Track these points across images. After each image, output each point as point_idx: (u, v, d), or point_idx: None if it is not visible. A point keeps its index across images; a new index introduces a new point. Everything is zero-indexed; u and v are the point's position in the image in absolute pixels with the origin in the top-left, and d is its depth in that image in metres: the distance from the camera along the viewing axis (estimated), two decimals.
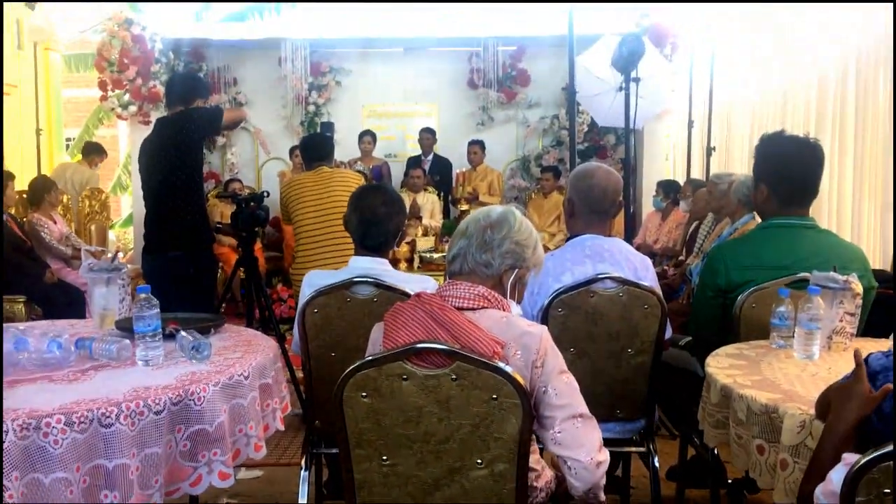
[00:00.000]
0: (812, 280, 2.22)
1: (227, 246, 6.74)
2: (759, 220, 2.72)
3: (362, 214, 2.54)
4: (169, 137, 3.65)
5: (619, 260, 2.53)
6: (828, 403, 1.47)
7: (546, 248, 7.74)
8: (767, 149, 2.56)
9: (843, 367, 1.91)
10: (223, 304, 4.66)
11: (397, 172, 8.02)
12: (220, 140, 8.24)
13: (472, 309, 1.70)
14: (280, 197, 4.32)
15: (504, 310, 1.74)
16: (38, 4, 7.35)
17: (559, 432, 1.65)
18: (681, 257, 5.96)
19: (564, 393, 1.66)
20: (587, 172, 2.62)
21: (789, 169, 2.49)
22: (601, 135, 8.15)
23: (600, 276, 2.43)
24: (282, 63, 8.05)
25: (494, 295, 1.74)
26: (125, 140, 14.29)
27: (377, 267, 2.51)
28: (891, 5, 4.28)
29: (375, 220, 2.53)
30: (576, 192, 2.61)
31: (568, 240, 2.66)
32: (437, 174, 7.83)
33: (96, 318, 2.47)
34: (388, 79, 8.47)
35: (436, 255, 6.14)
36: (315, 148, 4.40)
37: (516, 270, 1.79)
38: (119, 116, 7.77)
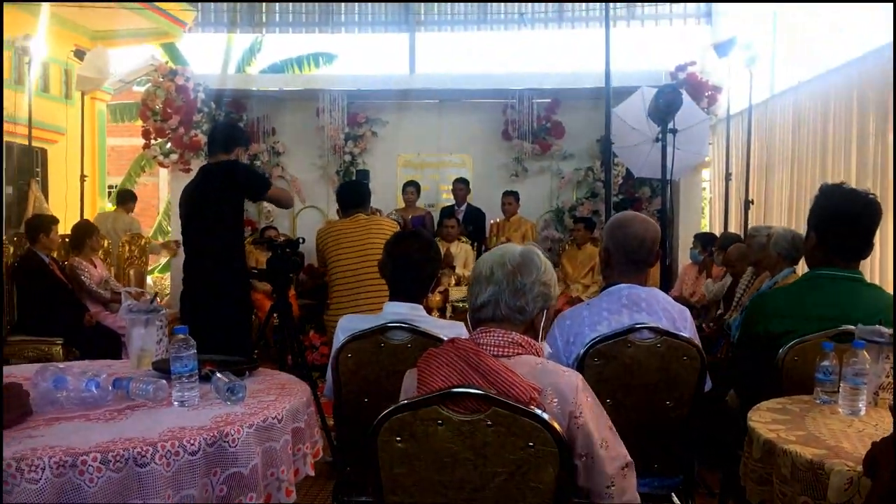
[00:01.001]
0: (857, 333, 2.17)
1: (262, 292, 6.79)
2: (799, 273, 2.69)
3: (398, 260, 2.57)
4: (213, 185, 3.77)
5: (656, 310, 2.50)
6: (876, 460, 1.43)
7: (579, 300, 7.57)
8: (823, 199, 2.54)
9: (890, 423, 1.85)
10: (256, 350, 4.68)
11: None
12: None
13: (508, 356, 1.70)
14: (316, 243, 4.37)
15: (538, 354, 1.74)
16: (87, 57, 7.63)
17: (611, 485, 1.64)
18: (719, 311, 5.87)
19: (612, 444, 1.65)
20: (624, 221, 2.61)
21: (840, 221, 2.47)
22: (636, 187, 8.16)
23: (638, 325, 2.40)
24: (319, 114, 8.25)
25: (528, 341, 1.75)
26: (165, 187, 14.65)
27: (411, 313, 2.52)
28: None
29: (411, 265, 2.55)
30: (612, 241, 2.60)
31: (604, 289, 2.64)
32: (471, 224, 7.88)
33: (134, 358, 2.50)
34: (423, 129, 8.63)
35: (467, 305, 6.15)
36: (352, 195, 4.47)
37: (545, 311, 1.80)
38: (161, 164, 7.99)
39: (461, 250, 7.36)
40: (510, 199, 7.80)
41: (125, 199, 8.58)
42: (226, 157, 3.88)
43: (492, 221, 7.50)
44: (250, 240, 7.43)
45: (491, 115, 8.50)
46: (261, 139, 8.47)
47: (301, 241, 4.23)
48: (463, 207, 8.01)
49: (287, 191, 4.49)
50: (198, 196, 3.80)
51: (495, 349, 1.71)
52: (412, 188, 7.87)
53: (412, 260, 2.56)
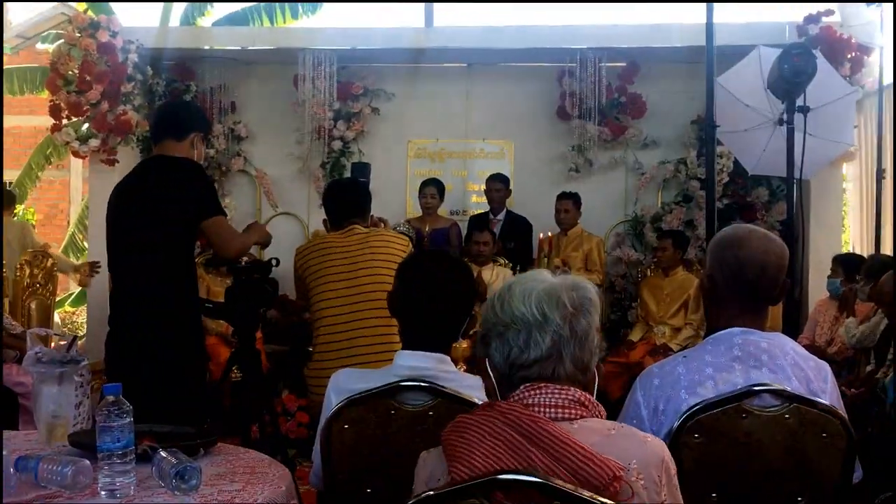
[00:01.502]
0: None
1: (216, 335, 6.84)
2: None
3: (416, 292, 2.58)
4: (156, 185, 3.80)
5: (783, 365, 2.49)
6: None
7: (668, 349, 7.56)
8: None
9: None
10: (209, 419, 4.69)
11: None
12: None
13: (570, 419, 1.74)
14: (294, 266, 4.38)
15: (601, 417, 1.79)
16: None
17: None
18: (868, 366, 5.84)
19: None
20: (737, 239, 2.61)
21: None
22: (749, 188, 8.16)
23: (756, 387, 2.40)
24: (298, 83, 8.24)
25: (590, 399, 1.80)
26: (80, 186, 14.79)
27: (436, 367, 2.53)
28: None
29: (435, 300, 2.56)
30: (720, 267, 2.60)
31: (707, 335, 2.65)
32: (512, 240, 7.88)
33: (43, 428, 2.52)
34: (444, 106, 8.64)
35: None
36: (344, 199, 4.49)
37: (599, 367, 1.88)
38: (75, 153, 8.01)
39: (498, 276, 7.33)
40: (567, 205, 7.79)
41: (5, 198, 8.57)
42: (176, 146, 3.93)
43: (541, 236, 7.38)
44: (201, 260, 7.46)
45: (541, 85, 8.49)
46: (215, 118, 8.49)
47: (273, 263, 4.23)
48: (501, 216, 8.02)
49: (260, 227, 4.49)
50: (134, 201, 3.83)
51: (553, 410, 1.74)
52: (433, 188, 7.88)
53: (437, 292, 2.57)
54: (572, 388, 1.77)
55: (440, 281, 2.59)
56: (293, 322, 7.32)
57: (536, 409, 1.73)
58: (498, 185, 8.00)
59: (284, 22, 11.94)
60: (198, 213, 3.79)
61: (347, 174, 8.06)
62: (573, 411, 1.74)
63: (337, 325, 4.13)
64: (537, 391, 1.77)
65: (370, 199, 4.67)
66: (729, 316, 2.60)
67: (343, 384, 2.58)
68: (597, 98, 8.12)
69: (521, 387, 1.79)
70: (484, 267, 7.32)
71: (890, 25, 6.87)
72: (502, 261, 7.61)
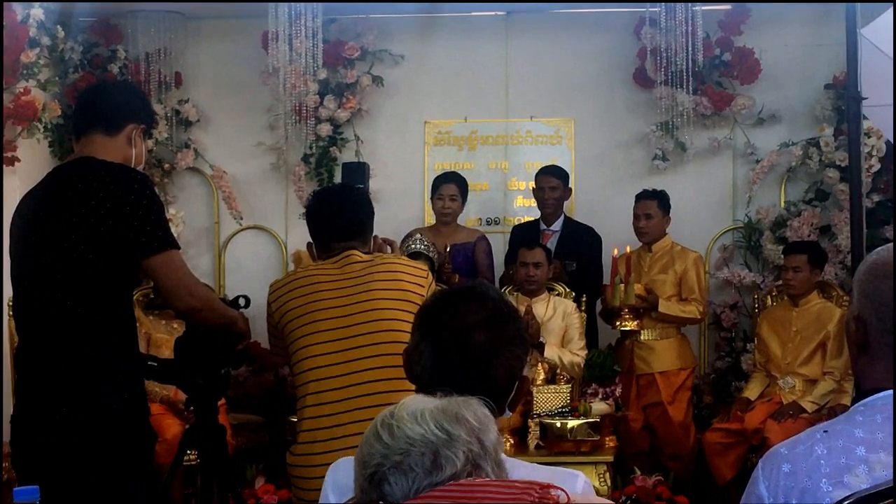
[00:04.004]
0: None
1: (161, 402, 6.86)
2: None
3: (445, 353, 2.59)
4: (81, 202, 3.78)
5: None
6: None
7: (799, 410, 7.49)
8: None
9: None
10: None
11: (497, 253, 8.14)
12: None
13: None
14: (268, 308, 4.41)
15: None
16: None
17: None
18: None
19: None
20: None
21: None
22: None
23: None
24: (268, 43, 8.15)
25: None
26: None
27: None
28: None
29: (474, 364, 2.56)
30: (872, 305, 2.59)
31: (857, 397, 2.64)
32: (574, 258, 7.90)
33: None
34: (475, 71, 8.68)
35: (573, 422, 6.16)
36: (335, 216, 4.48)
37: None
38: None
39: (556, 311, 7.37)
40: (651, 208, 7.81)
41: None
42: (107, 143, 3.96)
43: (615, 253, 7.48)
44: (138, 295, 7.42)
45: (610, 39, 8.57)
46: (153, 95, 8.41)
47: (241, 303, 4.26)
48: (557, 225, 8.07)
49: (197, 282, 4.41)
50: (48, 223, 3.83)
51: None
52: (451, 187, 7.93)
53: (476, 353, 2.57)
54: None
55: (475, 335, 2.58)
56: (268, 382, 7.42)
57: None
58: (552, 182, 8.00)
59: None
60: (139, 245, 3.79)
61: (339, 171, 8.12)
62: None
63: (329, 390, 4.13)
64: (472, 488, 1.87)
65: (372, 213, 4.66)
66: (885, 372, 2.59)
67: (342, 478, 2.58)
68: (689, 55, 8.02)
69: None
70: (536, 298, 7.32)
71: None
72: (560, 288, 7.62)
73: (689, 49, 8.01)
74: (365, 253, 4.42)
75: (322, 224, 4.52)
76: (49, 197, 3.91)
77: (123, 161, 3.95)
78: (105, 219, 3.75)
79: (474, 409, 2.01)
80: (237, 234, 8.71)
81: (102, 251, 3.77)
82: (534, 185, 8.12)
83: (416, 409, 1.98)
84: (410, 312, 3.72)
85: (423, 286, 4.24)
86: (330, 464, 3.66)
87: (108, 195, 3.77)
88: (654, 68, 8.23)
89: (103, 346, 3.80)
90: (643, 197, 7.86)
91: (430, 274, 4.51)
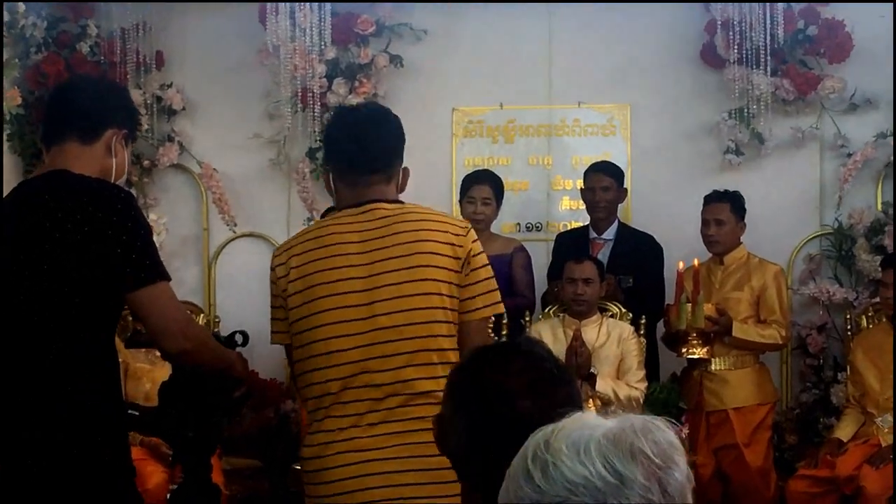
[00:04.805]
0: None
1: (141, 446, 6.84)
2: None
3: (487, 418, 2.57)
4: (54, 225, 3.78)
5: None
6: None
7: None
8: None
9: None
10: None
11: (538, 266, 8.16)
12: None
13: None
14: (272, 272, 4.27)
15: None
16: None
17: None
18: None
19: None
20: None
21: None
22: None
23: None
24: (267, 18, 8.16)
25: None
26: None
27: None
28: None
29: (515, 432, 2.35)
30: None
31: None
32: (631, 272, 7.86)
33: None
34: (512, 49, 8.65)
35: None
36: (358, 139, 4.30)
37: None
38: None
39: (610, 336, 7.38)
40: (722, 213, 7.77)
41: None
42: (83, 152, 3.97)
43: (680, 266, 7.44)
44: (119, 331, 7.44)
45: (674, 11, 8.51)
46: (130, 80, 8.49)
47: (238, 340, 4.29)
48: (610, 233, 8.09)
49: (191, 320, 4.46)
50: (15, 249, 3.86)
51: None
52: (484, 189, 7.90)
53: (518, 419, 2.48)
54: None
55: (525, 406, 2.55)
56: (268, 420, 7.41)
57: None
58: (605, 181, 7.98)
59: None
60: (123, 276, 3.82)
61: None
62: None
63: (343, 377, 4.10)
64: None
65: (402, 137, 4.50)
66: None
67: None
68: (769, 30, 8.02)
69: None
70: (586, 321, 7.32)
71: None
72: (615, 309, 7.60)
73: (768, 22, 8.02)
74: (389, 203, 4.29)
75: (347, 149, 4.35)
76: (15, 219, 3.92)
77: (102, 173, 4.01)
78: (83, 246, 3.79)
79: (655, 438, 1.89)
80: (230, 243, 8.76)
81: (80, 285, 3.83)
82: (582, 185, 8.13)
83: (580, 438, 1.89)
84: (439, 282, 4.01)
85: (456, 244, 4.17)
86: (352, 464, 3.95)
87: (87, 217, 3.80)
88: (726, 45, 8.27)
89: (83, 393, 3.82)
90: (713, 199, 7.81)
91: (470, 230, 4.33)
